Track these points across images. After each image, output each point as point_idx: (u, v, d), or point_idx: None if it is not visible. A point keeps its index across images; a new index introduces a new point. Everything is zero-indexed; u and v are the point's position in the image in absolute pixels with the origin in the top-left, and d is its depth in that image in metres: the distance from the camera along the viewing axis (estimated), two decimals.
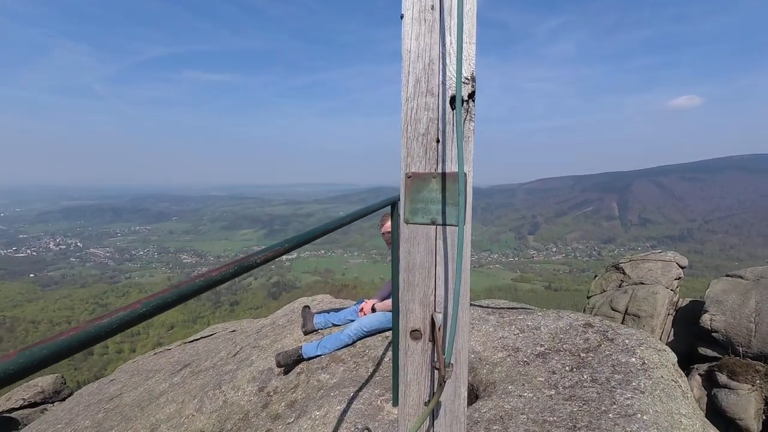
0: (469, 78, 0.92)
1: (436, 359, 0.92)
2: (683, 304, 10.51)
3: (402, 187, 0.98)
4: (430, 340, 0.96)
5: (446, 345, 0.91)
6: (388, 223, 3.14)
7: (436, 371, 0.91)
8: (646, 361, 2.24)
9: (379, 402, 2.35)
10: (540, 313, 3.11)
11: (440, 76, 0.93)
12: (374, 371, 2.81)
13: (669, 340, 10.44)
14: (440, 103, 0.94)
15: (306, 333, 3.79)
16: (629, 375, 2.13)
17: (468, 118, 0.94)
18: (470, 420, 2.05)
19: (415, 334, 0.97)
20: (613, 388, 2.04)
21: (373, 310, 3.42)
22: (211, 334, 6.63)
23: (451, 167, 0.94)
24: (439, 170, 0.96)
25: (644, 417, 1.77)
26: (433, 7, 0.92)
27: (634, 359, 2.27)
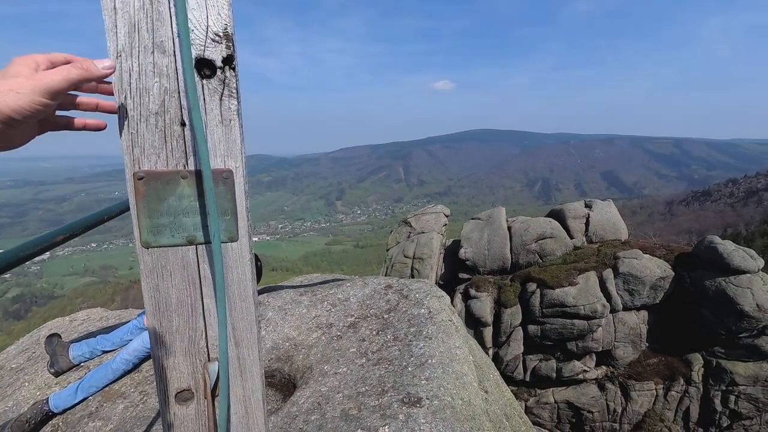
0: (222, 35, 0.65)
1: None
2: (448, 244, 13.84)
3: (131, 195, 0.65)
4: (206, 397, 0.71)
5: (220, 408, 0.68)
6: None
7: None
8: (431, 310, 2.68)
9: None
10: (349, 284, 3.27)
11: (173, 25, 0.62)
12: None
13: (441, 271, 13.66)
14: (179, 66, 0.64)
15: (58, 374, 2.74)
16: (420, 326, 2.50)
17: (227, 93, 0.68)
18: (288, 416, 1.94)
19: (184, 396, 0.70)
20: (410, 342, 2.34)
21: None
22: None
23: (213, 161, 0.68)
24: (191, 167, 0.68)
25: (433, 361, 2.11)
26: None
27: (423, 310, 2.68)
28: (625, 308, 9.71)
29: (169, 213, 0.66)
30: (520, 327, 10.46)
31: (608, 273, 9.90)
